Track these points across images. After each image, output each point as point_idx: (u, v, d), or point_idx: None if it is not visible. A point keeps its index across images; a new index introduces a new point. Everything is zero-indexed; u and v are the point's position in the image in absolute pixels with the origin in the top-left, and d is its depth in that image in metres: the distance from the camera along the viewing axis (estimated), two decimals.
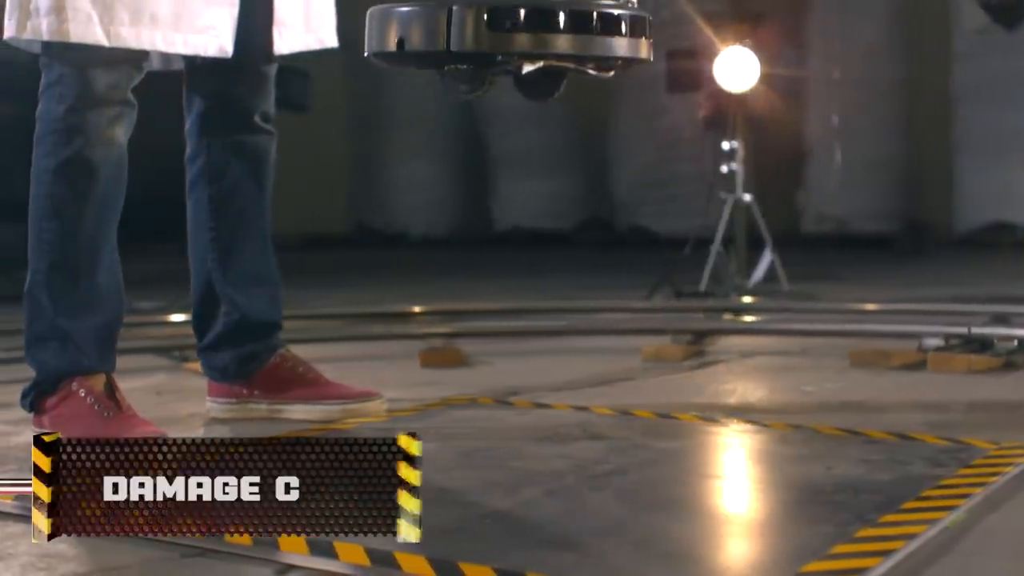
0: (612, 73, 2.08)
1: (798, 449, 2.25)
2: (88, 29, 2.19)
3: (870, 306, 4.09)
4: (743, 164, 5.49)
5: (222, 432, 2.49)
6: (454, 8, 1.93)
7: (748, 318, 4.22)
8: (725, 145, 5.49)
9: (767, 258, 5.50)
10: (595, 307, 4.37)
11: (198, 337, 2.64)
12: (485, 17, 1.91)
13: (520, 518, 1.81)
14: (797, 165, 8.48)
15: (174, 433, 2.40)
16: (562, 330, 3.86)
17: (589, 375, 3.22)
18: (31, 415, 2.34)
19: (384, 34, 2.01)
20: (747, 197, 5.51)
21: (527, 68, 2.01)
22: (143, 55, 2.30)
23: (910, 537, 1.67)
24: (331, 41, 2.59)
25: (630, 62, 2.05)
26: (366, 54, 2.03)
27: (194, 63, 2.48)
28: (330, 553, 1.62)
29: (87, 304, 2.29)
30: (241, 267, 2.58)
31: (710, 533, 1.71)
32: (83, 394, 2.24)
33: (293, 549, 1.64)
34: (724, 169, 5.52)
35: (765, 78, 5.46)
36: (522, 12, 1.93)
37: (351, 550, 1.63)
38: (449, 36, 1.93)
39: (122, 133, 2.29)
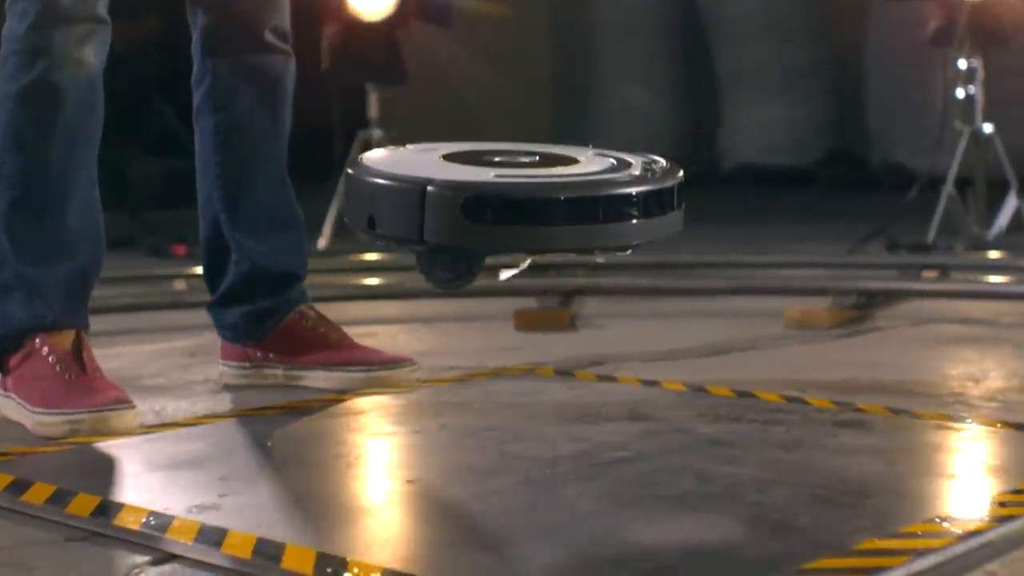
0: (630, 251, 2.03)
1: (871, 439, 2.18)
2: None
3: None
4: (983, 87, 5.27)
5: (223, 402, 2.57)
6: (428, 190, 1.87)
7: (995, 278, 4.03)
8: (961, 64, 5.28)
9: (1012, 203, 5.28)
10: (769, 262, 4.28)
11: (209, 291, 2.72)
12: (461, 206, 1.85)
13: (469, 511, 1.82)
14: None
15: (175, 400, 2.50)
16: (697, 289, 3.81)
17: (706, 343, 3.18)
18: None
19: (355, 206, 1.98)
20: (988, 128, 5.29)
21: (507, 274, 1.97)
22: None
23: (923, 552, 1.60)
24: None
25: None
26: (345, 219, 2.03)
27: None
28: (216, 543, 1.66)
29: (55, 249, 2.38)
30: (253, 208, 2.64)
31: (679, 537, 1.67)
32: (46, 352, 2.34)
33: (179, 537, 1.69)
34: (960, 94, 5.32)
35: None
36: (506, 200, 1.87)
37: (241, 540, 1.66)
38: (423, 224, 1.88)
39: (92, 54, 2.37)
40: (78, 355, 2.36)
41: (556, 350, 3.13)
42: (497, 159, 2.04)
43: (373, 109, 5.66)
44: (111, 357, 3.10)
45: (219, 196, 2.64)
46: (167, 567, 1.65)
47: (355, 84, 5.67)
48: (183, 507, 1.80)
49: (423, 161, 2.04)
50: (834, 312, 3.40)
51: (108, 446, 2.17)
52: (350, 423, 2.34)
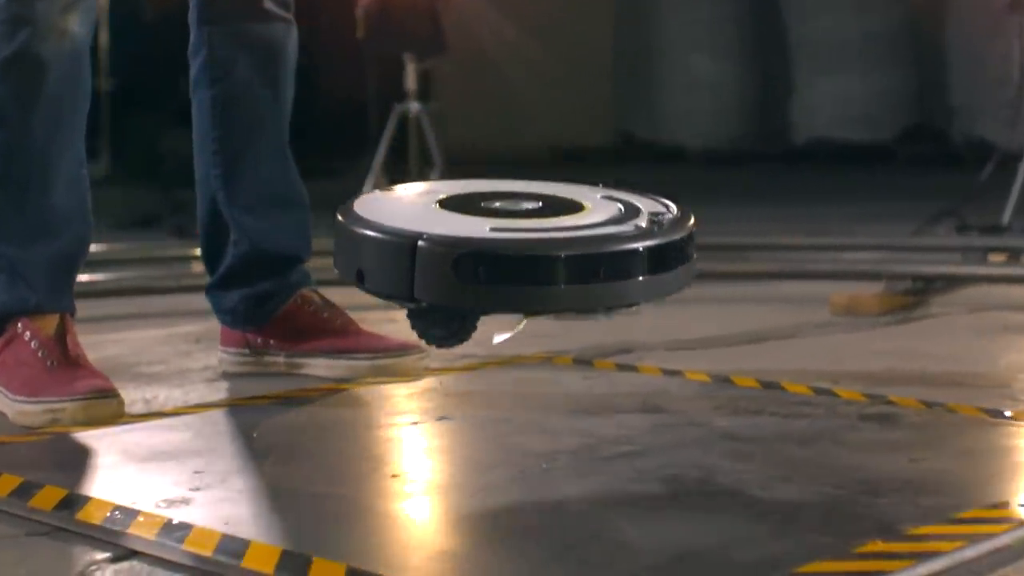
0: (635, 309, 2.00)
1: (897, 433, 2.16)
2: None
3: None
4: None
5: (218, 391, 2.59)
6: (419, 245, 1.86)
7: None
8: None
9: None
10: (825, 244, 4.25)
11: (209, 274, 2.74)
12: (452, 264, 1.84)
13: (452, 508, 1.82)
14: None
15: (168, 389, 2.52)
16: (741, 273, 3.79)
17: (744, 331, 3.17)
18: None
19: (343, 258, 1.98)
20: None
21: (500, 338, 1.94)
22: None
23: (928, 556, 1.58)
24: None
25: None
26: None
27: None
28: (179, 539, 1.67)
29: (38, 229, 2.40)
30: (252, 185, 2.65)
31: (669, 537, 1.67)
32: (28, 337, 2.36)
33: (142, 532, 1.70)
34: None
35: None
36: (499, 258, 1.85)
37: (205, 536, 1.67)
38: (413, 281, 1.87)
39: (77, 23, 2.38)
40: (61, 340, 2.37)
41: (583, 337, 3.12)
42: (496, 205, 2.03)
43: (411, 81, 5.65)
44: (113, 343, 3.14)
45: (217, 173, 2.65)
46: (126, 564, 1.66)
47: (392, 54, 5.68)
48: (152, 501, 1.81)
49: (416, 209, 2.04)
50: (884, 298, 3.37)
51: (87, 436, 2.18)
52: (345, 414, 2.35)
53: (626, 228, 1.93)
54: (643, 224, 1.94)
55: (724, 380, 2.53)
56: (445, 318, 1.95)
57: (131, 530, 1.71)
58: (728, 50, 9.61)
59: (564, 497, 1.84)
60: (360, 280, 1.94)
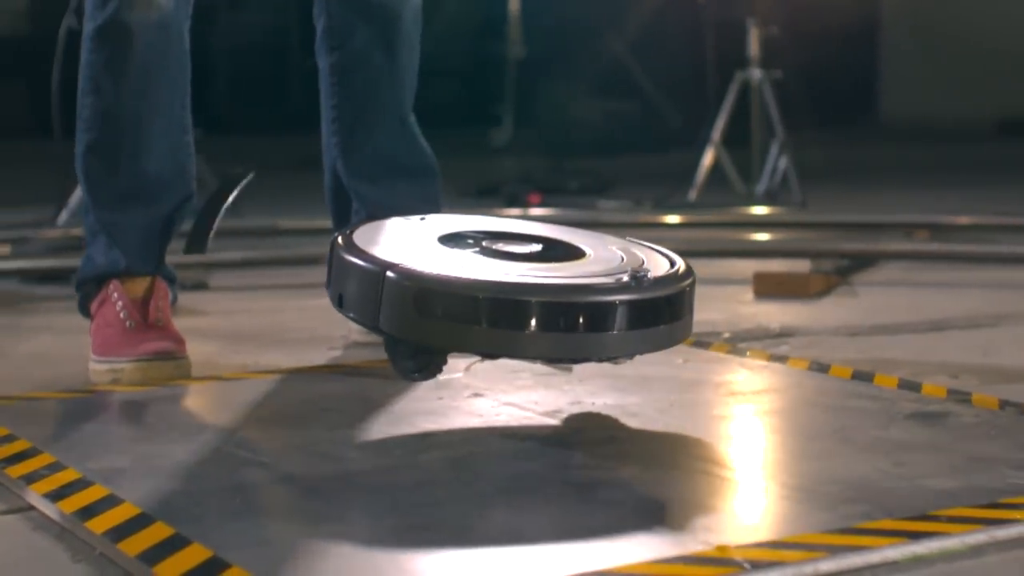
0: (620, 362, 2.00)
1: (926, 434, 2.03)
2: None
3: None
4: None
5: (319, 358, 2.68)
6: (387, 276, 1.92)
7: None
8: None
9: None
10: None
11: None
12: (413, 300, 1.89)
13: (365, 484, 1.83)
14: None
15: (281, 354, 2.64)
16: (978, 255, 3.61)
17: (933, 318, 3.07)
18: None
19: (330, 279, 2.06)
20: None
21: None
22: None
23: (763, 566, 1.50)
24: None
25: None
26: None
27: None
28: (60, 497, 1.77)
29: (132, 194, 2.55)
30: (369, 154, 2.72)
31: (513, 528, 1.64)
32: (115, 298, 2.51)
33: (37, 489, 1.81)
34: None
35: None
36: (460, 298, 1.89)
37: (82, 498, 1.76)
38: (379, 311, 1.93)
39: None
40: (146, 303, 2.52)
41: (763, 319, 3.05)
42: (493, 247, 2.07)
43: (753, 47, 5.55)
44: (295, 310, 3.29)
45: (336, 142, 2.73)
46: (11, 517, 1.77)
47: (733, 17, 5.60)
48: (90, 462, 1.90)
49: (411, 240, 2.08)
50: None
51: (117, 397, 2.32)
52: (378, 389, 2.33)
53: (601, 281, 1.92)
54: (622, 279, 1.93)
55: (821, 369, 2.44)
56: (412, 354, 1.99)
57: (31, 486, 1.82)
58: None
59: (471, 482, 1.82)
60: (340, 304, 2.02)
